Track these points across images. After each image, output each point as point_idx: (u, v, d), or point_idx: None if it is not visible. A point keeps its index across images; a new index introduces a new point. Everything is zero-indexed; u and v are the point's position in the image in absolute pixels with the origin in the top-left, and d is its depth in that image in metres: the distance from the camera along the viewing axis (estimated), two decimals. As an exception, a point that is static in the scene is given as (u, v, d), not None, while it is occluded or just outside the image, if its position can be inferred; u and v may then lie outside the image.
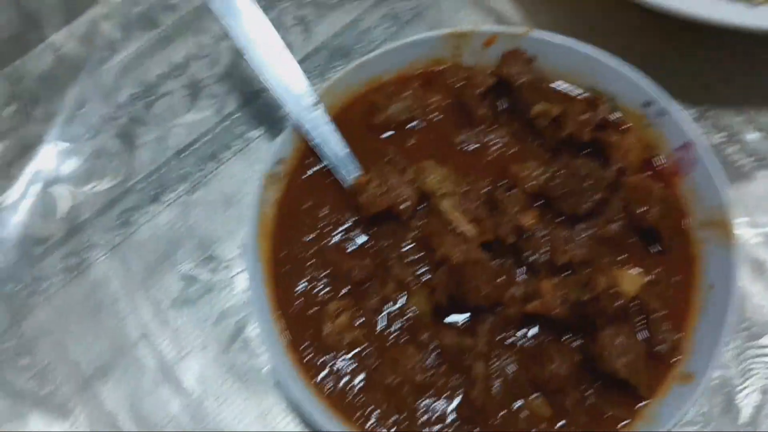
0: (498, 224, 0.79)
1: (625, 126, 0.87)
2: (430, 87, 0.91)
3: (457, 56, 0.92)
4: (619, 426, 0.73)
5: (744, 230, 0.92)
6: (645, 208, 0.79)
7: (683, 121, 0.83)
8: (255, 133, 1.01)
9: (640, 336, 0.76)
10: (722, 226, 0.78)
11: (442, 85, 0.91)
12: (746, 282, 0.89)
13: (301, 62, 0.99)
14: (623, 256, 0.80)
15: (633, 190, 0.80)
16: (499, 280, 0.76)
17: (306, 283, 0.82)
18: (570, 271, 0.78)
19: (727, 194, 0.79)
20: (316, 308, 0.81)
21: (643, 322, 0.76)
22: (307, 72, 0.92)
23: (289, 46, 0.90)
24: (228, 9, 0.87)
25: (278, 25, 0.92)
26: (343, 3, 1.11)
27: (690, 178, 0.82)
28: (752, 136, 0.98)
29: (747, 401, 0.83)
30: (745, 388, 0.83)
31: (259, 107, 1.02)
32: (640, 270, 0.79)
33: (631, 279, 0.77)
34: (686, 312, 0.78)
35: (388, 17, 1.09)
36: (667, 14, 0.87)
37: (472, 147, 0.87)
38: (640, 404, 0.74)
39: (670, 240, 0.80)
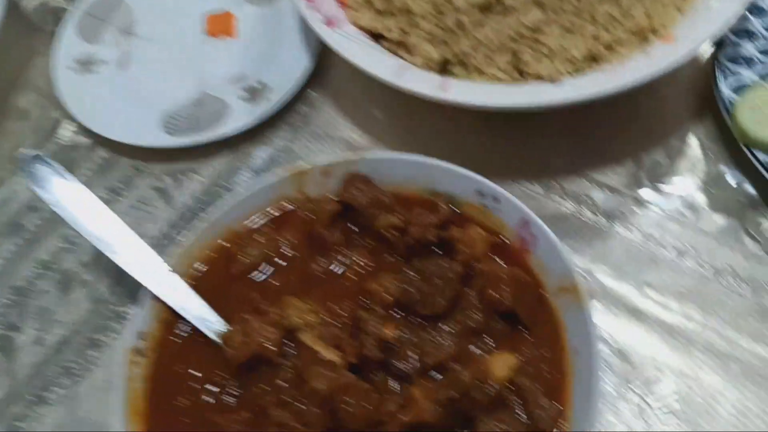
0: (362, 344, 0.79)
1: (468, 218, 0.90)
2: (283, 225, 0.94)
3: (301, 191, 0.96)
4: None
5: (613, 283, 0.95)
6: (498, 293, 0.81)
7: (513, 202, 0.87)
8: (131, 309, 1.01)
9: (522, 419, 0.76)
10: (572, 291, 0.81)
11: (294, 220, 0.94)
12: (625, 334, 0.90)
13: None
14: (491, 344, 0.81)
15: (483, 278, 0.82)
16: (372, 399, 0.76)
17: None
18: (444, 372, 0.79)
19: (570, 260, 0.82)
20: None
21: (519, 404, 0.77)
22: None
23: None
24: (57, 197, 0.91)
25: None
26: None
27: (536, 252, 0.85)
28: (599, 195, 1.03)
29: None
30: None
31: (130, 285, 1.03)
32: (511, 353, 0.80)
33: (502, 363, 0.78)
34: (562, 383, 0.78)
35: (244, 168, 1.14)
36: (470, 109, 0.94)
37: (330, 274, 0.90)
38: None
39: (531, 316, 0.82)
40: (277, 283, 0.90)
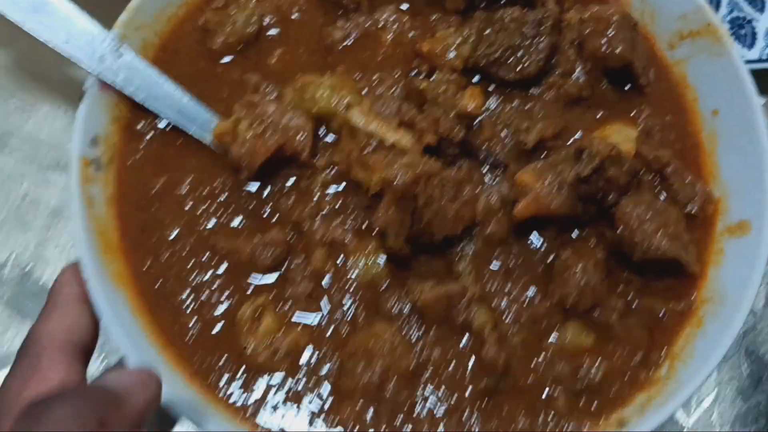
0: (435, 120, 0.56)
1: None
2: (274, -19, 0.66)
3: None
4: (684, 318, 0.54)
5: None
6: (608, 43, 0.59)
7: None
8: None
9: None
10: (703, 33, 0.61)
11: (289, -26, 0.66)
12: None
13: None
14: (600, 113, 0.61)
15: (585, 25, 0.60)
16: (465, 193, 0.54)
17: (194, 296, 0.55)
18: (544, 153, 0.58)
19: (697, -7, 0.61)
20: (221, 324, 0.54)
21: (656, 183, 0.57)
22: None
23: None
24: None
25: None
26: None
27: (638, -9, 0.64)
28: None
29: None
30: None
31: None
32: (626, 124, 0.60)
33: (623, 133, 0.58)
34: (698, 152, 0.60)
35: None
36: None
37: (355, 39, 0.63)
38: (694, 283, 0.55)
39: (645, 73, 0.61)
40: (282, 59, 0.63)
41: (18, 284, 0.69)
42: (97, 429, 0.41)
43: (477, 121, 0.58)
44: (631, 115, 0.61)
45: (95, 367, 0.66)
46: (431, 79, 0.58)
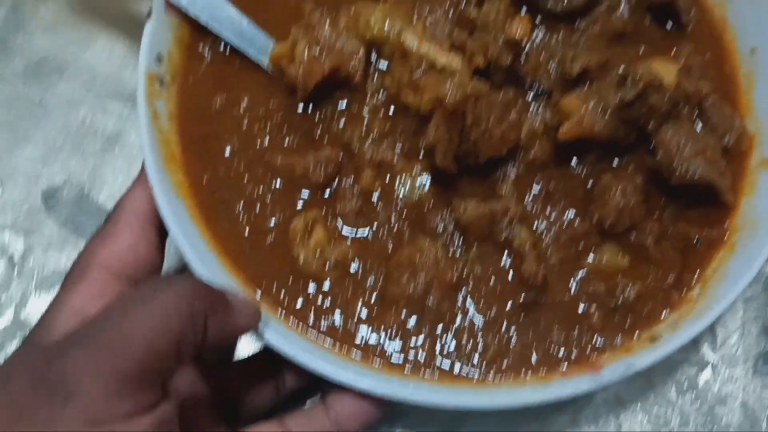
0: (485, 44, 0.58)
1: None
2: None
3: None
4: (717, 244, 0.56)
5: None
6: (653, -23, 0.61)
7: None
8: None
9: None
10: (748, -28, 0.62)
11: None
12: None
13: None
14: (643, 49, 0.62)
15: (629, -40, 0.62)
16: (511, 116, 0.56)
17: (250, 207, 0.58)
18: (587, 83, 0.60)
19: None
20: (274, 235, 0.58)
21: (695, 115, 0.59)
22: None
23: None
24: None
25: None
26: None
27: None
28: None
29: None
30: None
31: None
32: (668, 59, 0.62)
33: (665, 68, 0.60)
34: (736, 90, 0.62)
35: None
36: None
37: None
38: (728, 212, 0.57)
39: (687, 12, 0.63)
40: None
41: (75, 204, 0.72)
42: (200, 321, 0.43)
43: (524, 51, 0.60)
44: (672, 53, 0.62)
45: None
46: (482, 5, 0.60)
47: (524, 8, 0.62)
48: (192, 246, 0.54)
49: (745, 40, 0.62)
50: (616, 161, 0.58)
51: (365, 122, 0.60)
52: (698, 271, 0.56)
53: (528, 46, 0.60)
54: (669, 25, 0.63)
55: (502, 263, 0.56)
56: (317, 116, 0.61)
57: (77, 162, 0.74)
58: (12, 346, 0.67)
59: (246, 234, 0.57)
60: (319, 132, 0.60)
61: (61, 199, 0.73)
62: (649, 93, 0.54)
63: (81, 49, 0.78)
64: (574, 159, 0.58)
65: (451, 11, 0.62)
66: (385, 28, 0.60)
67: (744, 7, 0.63)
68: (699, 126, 0.59)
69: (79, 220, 0.72)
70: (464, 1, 0.62)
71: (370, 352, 0.55)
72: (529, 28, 0.59)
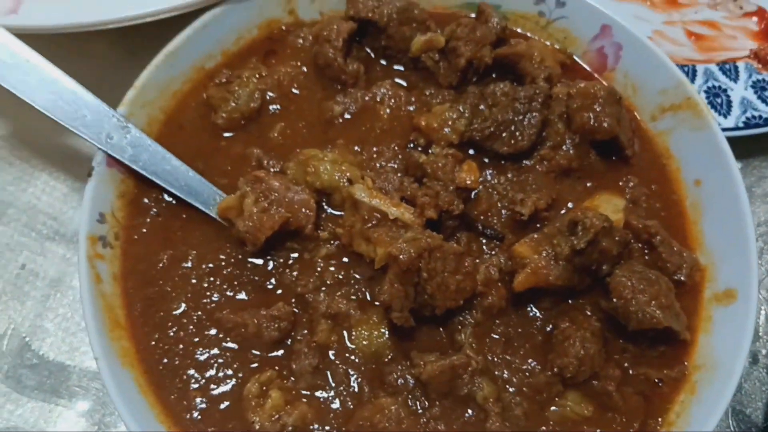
0: (435, 194, 0.58)
1: (522, 36, 0.70)
2: (275, 57, 0.68)
3: (292, 11, 0.70)
4: (679, 385, 0.56)
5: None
6: (595, 117, 0.62)
7: (586, 3, 0.67)
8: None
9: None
10: (684, 107, 0.64)
11: (289, 50, 0.69)
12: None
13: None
14: (589, 183, 0.63)
15: (572, 99, 0.63)
16: (466, 265, 0.56)
17: (201, 372, 0.56)
18: (539, 223, 0.60)
19: (674, 68, 0.65)
20: (228, 401, 0.55)
21: (645, 252, 0.60)
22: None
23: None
24: None
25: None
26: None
27: (622, 67, 0.67)
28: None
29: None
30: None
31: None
32: (614, 194, 0.62)
33: (612, 205, 0.61)
34: (683, 221, 0.63)
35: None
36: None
37: (354, 113, 0.65)
38: (686, 350, 0.57)
39: (630, 145, 0.64)
40: (283, 134, 0.65)
41: (17, 356, 0.69)
42: None
43: (474, 193, 0.60)
44: (619, 184, 0.63)
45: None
46: (429, 152, 0.60)
47: (471, 150, 0.62)
48: (138, 422, 0.51)
49: (688, 171, 0.64)
50: (571, 301, 0.58)
51: (318, 271, 0.58)
52: (662, 416, 0.55)
53: (478, 189, 0.60)
54: (614, 157, 0.64)
55: (466, 418, 0.55)
56: (269, 266, 0.59)
57: (18, 309, 0.71)
58: None
59: (197, 403, 0.55)
60: (271, 283, 0.59)
61: (2, 351, 0.69)
62: (599, 238, 0.54)
63: (21, 188, 0.76)
64: (531, 303, 0.58)
65: (400, 155, 0.62)
66: (335, 177, 0.59)
67: (685, 139, 0.64)
68: (652, 263, 0.59)
69: (21, 373, 0.68)
70: (411, 144, 0.62)
71: None
72: (478, 174, 0.59)
